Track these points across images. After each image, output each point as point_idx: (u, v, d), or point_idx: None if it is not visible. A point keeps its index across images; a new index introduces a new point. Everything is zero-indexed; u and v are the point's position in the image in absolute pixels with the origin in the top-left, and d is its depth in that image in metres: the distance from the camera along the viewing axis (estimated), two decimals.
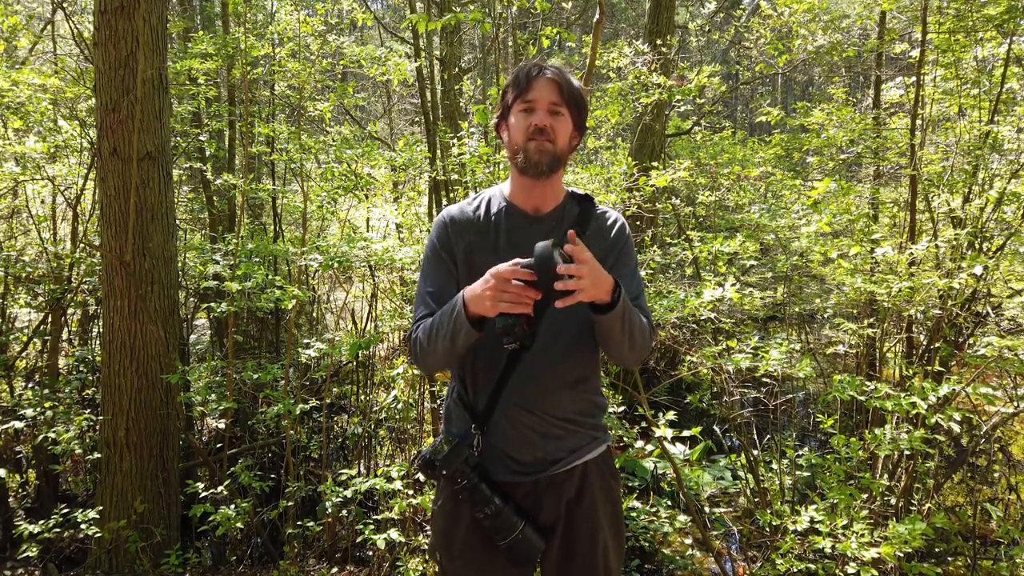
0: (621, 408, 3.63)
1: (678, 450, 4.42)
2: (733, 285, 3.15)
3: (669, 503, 4.01)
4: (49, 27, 5.93)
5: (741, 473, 4.24)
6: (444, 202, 6.36)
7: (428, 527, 3.22)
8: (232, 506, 3.22)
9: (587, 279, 1.33)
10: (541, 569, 1.69)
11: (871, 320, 3.86)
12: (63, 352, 4.98)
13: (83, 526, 3.14)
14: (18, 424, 3.66)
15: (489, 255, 1.58)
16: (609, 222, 1.66)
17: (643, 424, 3.89)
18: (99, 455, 3.48)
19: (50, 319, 4.60)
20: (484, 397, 1.60)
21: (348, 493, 3.10)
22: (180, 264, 4.56)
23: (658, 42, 5.74)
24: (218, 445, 4.61)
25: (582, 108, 1.60)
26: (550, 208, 1.62)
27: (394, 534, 2.91)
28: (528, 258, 1.36)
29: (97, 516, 3.19)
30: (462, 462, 1.56)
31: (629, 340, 1.51)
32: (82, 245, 4.66)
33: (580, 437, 1.64)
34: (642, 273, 3.68)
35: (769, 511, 2.92)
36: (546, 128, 1.52)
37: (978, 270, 2.92)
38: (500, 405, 1.58)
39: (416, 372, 3.86)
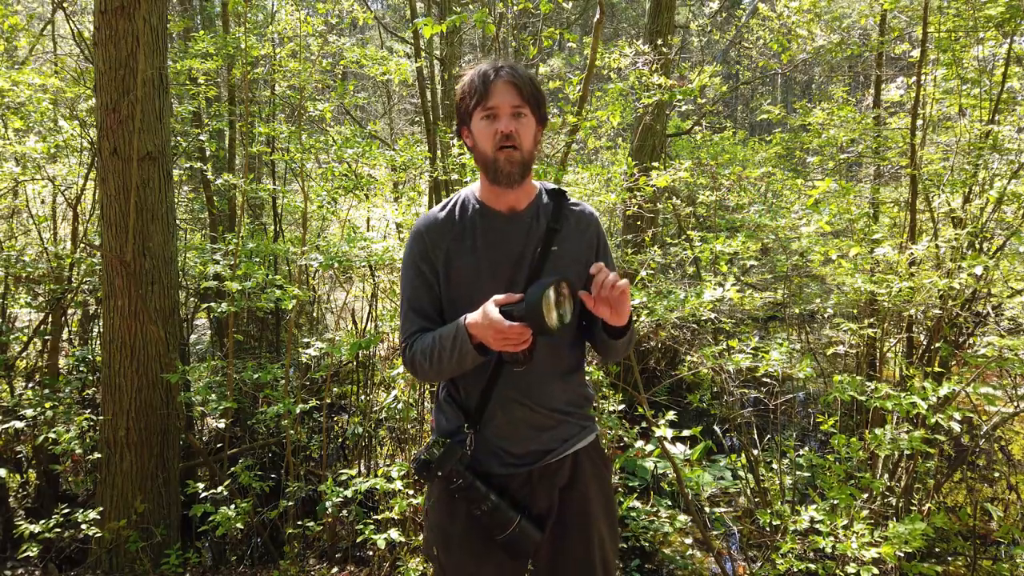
0: (621, 408, 3.63)
1: (678, 450, 4.42)
2: (733, 285, 3.15)
3: (669, 503, 4.01)
4: (49, 27, 5.93)
5: (741, 473, 4.24)
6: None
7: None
8: (232, 506, 3.22)
9: (627, 296, 1.48)
10: (535, 557, 1.70)
11: (871, 320, 3.86)
12: (63, 352, 4.98)
13: (83, 526, 3.14)
14: (18, 424, 3.66)
15: (468, 258, 1.61)
16: (585, 214, 1.69)
17: (643, 424, 3.89)
18: (99, 455, 3.48)
19: (50, 319, 4.60)
20: (476, 394, 1.63)
21: (348, 493, 3.09)
22: (180, 264, 4.56)
23: (659, 42, 5.73)
24: (218, 445, 4.61)
25: (542, 102, 1.59)
26: (524, 206, 1.64)
27: (394, 534, 2.91)
28: (519, 295, 1.45)
29: (97, 516, 3.19)
30: (456, 461, 1.58)
31: (625, 353, 1.68)
32: (82, 245, 4.66)
33: (571, 427, 1.68)
34: (643, 273, 3.68)
35: (769, 511, 2.92)
36: (512, 133, 1.52)
37: (978, 270, 2.91)
38: (493, 400, 1.61)
39: None
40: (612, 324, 1.52)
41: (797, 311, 6.01)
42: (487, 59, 1.70)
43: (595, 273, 1.47)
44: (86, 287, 4.91)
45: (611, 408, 3.52)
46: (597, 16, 3.67)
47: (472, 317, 1.47)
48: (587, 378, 1.81)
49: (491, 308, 1.43)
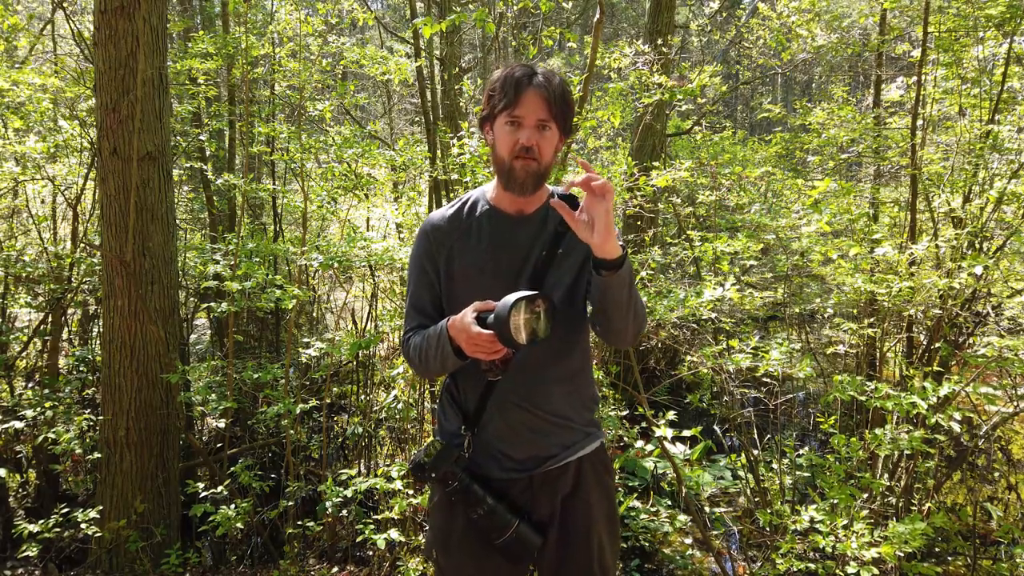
0: (625, 412, 3.63)
1: (678, 450, 4.42)
2: (733, 285, 3.15)
3: (669, 503, 4.01)
4: (49, 27, 5.92)
5: (741, 473, 4.24)
6: (444, 202, 6.35)
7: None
8: (232, 506, 3.22)
9: (609, 200, 1.39)
10: (537, 563, 1.70)
11: (871, 320, 3.86)
12: (63, 352, 4.98)
13: (83, 526, 3.14)
14: (18, 424, 3.66)
15: (472, 256, 1.60)
16: None
17: (643, 424, 3.89)
18: (99, 455, 3.48)
19: (50, 319, 4.60)
20: (475, 395, 1.62)
21: (348, 493, 3.10)
22: (180, 264, 4.56)
23: (659, 42, 5.73)
24: (218, 445, 4.61)
25: (569, 115, 1.57)
26: (533, 209, 1.63)
27: (394, 534, 2.91)
28: (497, 293, 1.42)
29: (97, 516, 3.19)
30: (452, 463, 1.58)
31: (633, 310, 1.52)
32: (82, 245, 4.66)
33: (573, 433, 1.66)
34: (643, 273, 3.68)
35: (769, 511, 2.92)
36: (532, 147, 1.51)
37: (978, 270, 2.91)
38: (492, 402, 1.60)
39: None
40: (600, 255, 1.42)
41: (797, 311, 6.01)
42: (494, 63, 1.69)
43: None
44: (86, 287, 4.91)
45: (610, 411, 3.52)
46: (597, 16, 3.67)
47: (453, 319, 1.47)
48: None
49: (468, 313, 1.43)
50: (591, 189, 1.39)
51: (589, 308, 1.62)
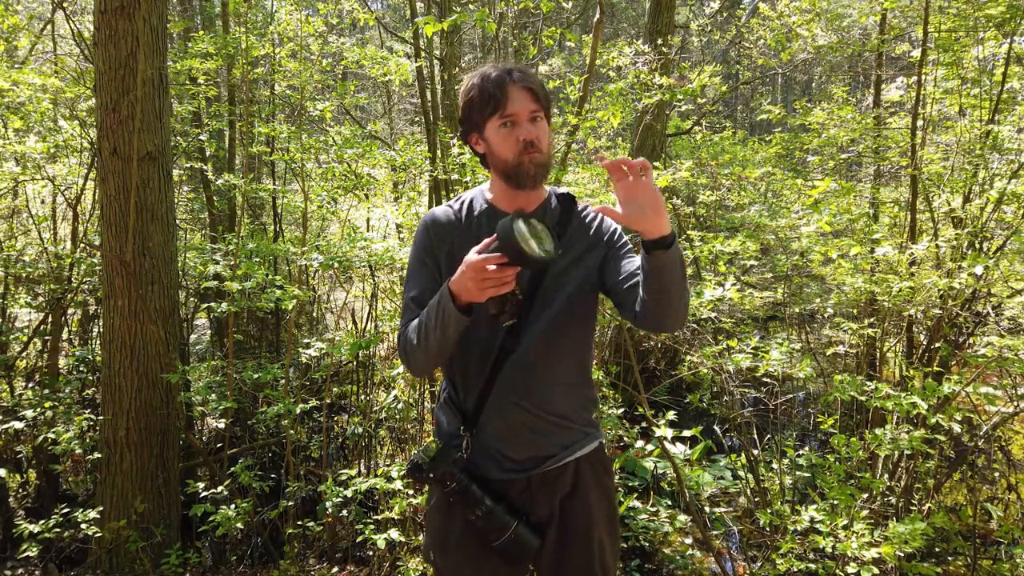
0: (622, 409, 3.63)
1: (678, 450, 4.42)
2: (733, 285, 3.15)
3: (669, 503, 4.01)
4: (49, 27, 5.93)
5: (741, 473, 4.24)
6: (443, 202, 6.35)
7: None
8: (232, 506, 3.22)
9: (649, 175, 1.33)
10: (536, 565, 1.70)
11: (871, 320, 3.86)
12: (63, 352, 4.98)
13: (83, 526, 3.14)
14: (18, 424, 3.66)
15: None
16: (589, 218, 1.66)
17: (643, 424, 3.89)
18: (99, 455, 3.48)
19: (50, 319, 4.61)
20: (474, 396, 1.61)
21: (348, 493, 3.10)
22: (180, 264, 4.56)
23: (659, 42, 5.73)
24: (218, 445, 4.61)
25: (551, 103, 1.59)
26: (533, 208, 1.63)
27: (394, 534, 2.91)
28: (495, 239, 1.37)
29: (97, 516, 3.19)
30: (450, 464, 1.57)
31: (684, 290, 1.45)
32: (82, 245, 4.67)
33: (573, 433, 1.65)
34: None
35: (769, 511, 2.92)
36: (534, 140, 1.51)
37: (979, 270, 2.92)
38: (491, 402, 1.59)
39: None
40: (651, 235, 1.35)
41: (797, 311, 6.01)
42: (488, 63, 1.67)
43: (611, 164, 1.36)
44: (86, 287, 4.91)
45: (610, 410, 3.52)
46: (597, 16, 3.67)
47: (455, 278, 1.42)
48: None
49: (468, 254, 1.39)
50: (622, 172, 1.34)
51: (637, 299, 1.51)
